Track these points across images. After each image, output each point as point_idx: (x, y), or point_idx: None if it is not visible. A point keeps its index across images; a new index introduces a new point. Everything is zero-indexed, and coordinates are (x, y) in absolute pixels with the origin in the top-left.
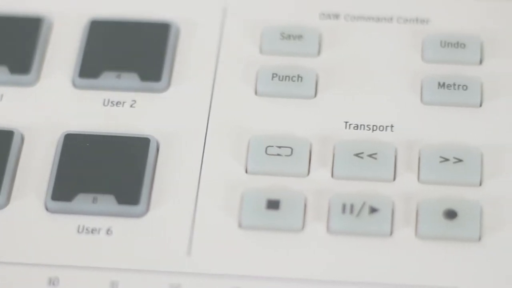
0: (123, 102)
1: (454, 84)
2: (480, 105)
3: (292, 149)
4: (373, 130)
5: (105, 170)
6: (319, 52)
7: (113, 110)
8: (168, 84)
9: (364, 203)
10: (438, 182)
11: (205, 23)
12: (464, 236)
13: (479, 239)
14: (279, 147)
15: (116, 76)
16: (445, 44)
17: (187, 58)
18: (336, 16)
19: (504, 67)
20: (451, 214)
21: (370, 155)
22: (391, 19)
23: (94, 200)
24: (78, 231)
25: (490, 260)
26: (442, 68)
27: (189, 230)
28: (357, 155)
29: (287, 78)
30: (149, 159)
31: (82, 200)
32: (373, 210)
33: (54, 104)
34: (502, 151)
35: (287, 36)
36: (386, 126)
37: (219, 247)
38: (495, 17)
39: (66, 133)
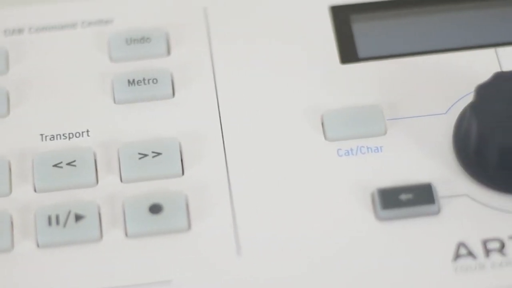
0: None
1: (144, 79)
2: (173, 96)
3: None
4: (69, 138)
5: None
6: (7, 69)
7: None
8: None
9: (69, 212)
10: (140, 179)
11: None
12: (172, 228)
13: (189, 228)
14: None
15: None
16: (131, 41)
17: None
18: (20, 31)
19: (191, 55)
20: (156, 209)
21: (69, 163)
22: (75, 25)
23: None
24: None
25: (201, 247)
26: (131, 65)
27: None
28: (56, 165)
29: None
30: None
31: None
32: (79, 217)
33: None
34: (199, 138)
35: None
36: (82, 132)
37: None
38: (178, 9)
39: None
